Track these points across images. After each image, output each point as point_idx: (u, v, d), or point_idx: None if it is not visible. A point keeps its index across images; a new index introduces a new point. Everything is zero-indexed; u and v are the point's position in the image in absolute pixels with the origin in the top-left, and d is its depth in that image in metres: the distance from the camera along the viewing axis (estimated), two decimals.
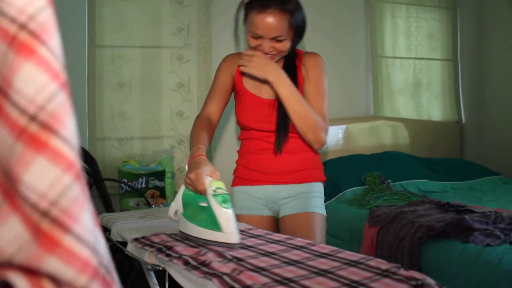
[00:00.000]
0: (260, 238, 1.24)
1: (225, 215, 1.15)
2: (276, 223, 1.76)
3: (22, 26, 0.32)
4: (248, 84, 1.71)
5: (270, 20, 1.51)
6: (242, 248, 1.13)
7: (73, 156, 0.31)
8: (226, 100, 1.74)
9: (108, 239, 1.51)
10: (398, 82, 3.87)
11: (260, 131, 1.70)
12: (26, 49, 0.31)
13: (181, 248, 1.10)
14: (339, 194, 2.92)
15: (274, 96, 1.65)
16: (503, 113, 3.76)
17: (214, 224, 1.15)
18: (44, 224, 0.30)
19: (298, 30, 1.61)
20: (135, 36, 3.11)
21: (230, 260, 1.00)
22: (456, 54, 4.09)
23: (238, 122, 1.76)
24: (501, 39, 3.77)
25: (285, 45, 1.58)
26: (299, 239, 1.21)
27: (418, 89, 3.95)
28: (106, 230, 1.57)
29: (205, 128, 1.61)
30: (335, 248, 1.11)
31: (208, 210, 1.17)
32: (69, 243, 0.30)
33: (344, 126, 3.61)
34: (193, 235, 1.22)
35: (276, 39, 1.55)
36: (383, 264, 0.96)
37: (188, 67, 3.21)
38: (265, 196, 1.71)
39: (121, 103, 3.09)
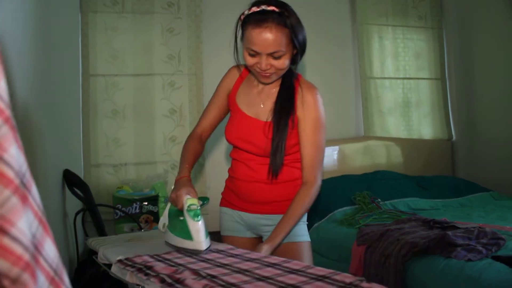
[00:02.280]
0: (238, 257, 1.29)
1: (195, 226, 1.35)
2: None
3: None
4: (240, 100, 1.68)
5: (267, 35, 1.45)
6: (218, 266, 1.18)
7: (12, 174, 0.39)
8: (221, 116, 1.75)
9: (95, 262, 1.55)
10: (387, 102, 3.95)
11: (245, 152, 1.67)
12: None
13: (159, 267, 1.15)
14: (329, 214, 2.97)
15: (267, 119, 1.61)
16: (492, 130, 3.82)
17: (187, 234, 1.36)
18: None
19: (298, 47, 1.54)
20: (128, 64, 3.20)
21: (204, 277, 1.05)
22: (444, 72, 4.17)
23: (226, 139, 1.73)
24: (487, 56, 3.85)
25: (284, 63, 1.52)
26: (274, 257, 1.26)
27: (407, 109, 4.03)
28: (94, 253, 1.61)
29: (195, 147, 1.68)
30: (307, 265, 1.16)
31: (184, 223, 1.38)
32: (5, 242, 0.37)
33: (337, 147, 3.68)
34: (173, 244, 1.42)
35: (273, 56, 1.49)
36: (348, 278, 1.01)
37: (180, 93, 3.29)
38: (245, 222, 1.72)
39: (115, 130, 3.16)
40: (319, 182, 1.60)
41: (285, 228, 1.53)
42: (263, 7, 1.48)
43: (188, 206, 1.38)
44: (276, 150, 1.58)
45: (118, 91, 3.18)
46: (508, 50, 3.66)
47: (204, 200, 3.09)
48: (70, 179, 2.45)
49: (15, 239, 0.38)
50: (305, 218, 1.71)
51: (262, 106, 1.66)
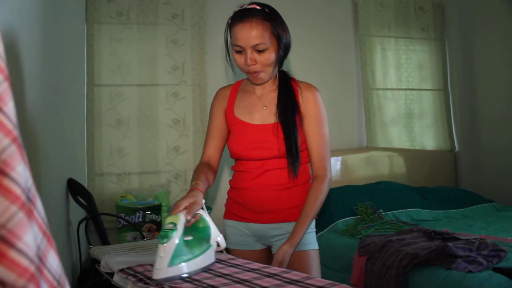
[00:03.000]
0: (238, 267, 1.31)
1: (158, 249, 1.20)
2: (271, 254, 1.72)
3: None
4: (239, 112, 1.69)
5: (248, 28, 1.52)
6: (219, 276, 1.19)
7: (19, 191, 0.42)
8: (223, 139, 1.73)
9: (98, 271, 1.57)
10: (390, 113, 3.97)
11: (252, 161, 1.66)
12: None
13: None
14: (331, 225, 2.98)
15: (271, 121, 1.64)
16: (495, 140, 3.82)
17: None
18: None
19: (281, 42, 1.58)
20: (132, 75, 3.24)
21: (203, 287, 1.07)
22: (447, 83, 4.19)
23: (231, 154, 1.72)
24: (490, 67, 3.87)
25: (268, 57, 1.56)
26: (274, 268, 1.28)
27: (410, 119, 4.04)
28: (97, 262, 1.63)
29: (204, 172, 1.61)
30: (306, 275, 1.17)
31: None
32: (12, 255, 0.40)
33: (339, 158, 3.69)
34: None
35: (257, 49, 1.54)
36: (319, 282, 1.02)
37: (183, 104, 3.32)
38: (254, 234, 1.70)
39: (119, 140, 3.19)
40: (329, 176, 1.63)
41: (303, 226, 1.55)
42: (245, 6, 1.59)
43: (165, 224, 1.24)
44: (291, 148, 1.59)
45: (123, 101, 3.22)
46: (510, 61, 3.68)
47: (206, 209, 3.10)
48: (74, 188, 2.48)
49: (21, 252, 0.40)
50: (313, 225, 1.70)
51: (265, 108, 1.67)
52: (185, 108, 3.33)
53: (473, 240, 2.17)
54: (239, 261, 1.40)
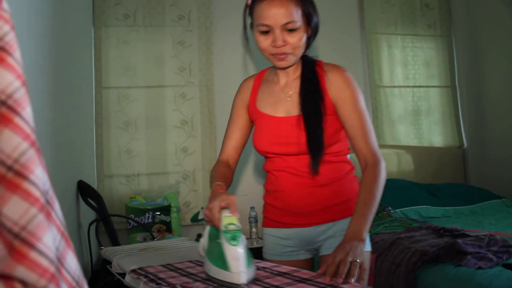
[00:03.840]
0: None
1: (231, 253, 1.07)
2: (313, 264, 1.59)
3: (2, 103, 0.43)
4: (262, 104, 1.54)
5: (278, 5, 1.35)
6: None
7: (38, 193, 0.43)
8: (245, 137, 1.60)
9: (110, 272, 1.59)
10: (397, 110, 3.96)
11: (283, 157, 1.49)
12: (6, 119, 0.43)
13: (172, 278, 1.18)
14: None
15: (296, 113, 1.46)
16: (504, 136, 3.81)
17: (223, 262, 1.09)
18: (16, 243, 0.42)
19: (312, 22, 1.42)
20: (140, 76, 3.26)
21: (213, 286, 1.08)
22: (454, 80, 4.18)
23: (257, 150, 1.56)
24: (497, 63, 3.85)
25: (299, 38, 1.39)
26: (284, 266, 1.27)
27: (418, 117, 4.04)
28: (108, 263, 1.65)
29: (223, 173, 1.50)
30: (315, 273, 1.17)
31: (220, 247, 1.11)
32: (33, 256, 0.42)
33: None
34: (210, 274, 1.15)
35: (287, 28, 1.37)
36: (356, 287, 1.03)
37: (191, 105, 3.34)
38: (299, 240, 1.52)
39: (127, 141, 3.22)
40: (381, 160, 1.39)
41: (361, 217, 1.27)
42: None
43: (225, 226, 1.11)
44: (311, 139, 1.41)
45: (130, 102, 3.24)
46: None
47: None
48: (84, 190, 2.50)
49: (41, 253, 0.42)
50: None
51: (289, 99, 1.50)
52: (192, 109, 3.35)
53: (483, 237, 2.17)
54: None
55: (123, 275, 1.49)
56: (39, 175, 0.44)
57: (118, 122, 3.21)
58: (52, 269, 0.42)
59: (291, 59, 1.44)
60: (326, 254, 1.45)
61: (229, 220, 1.12)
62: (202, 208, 3.05)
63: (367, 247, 1.46)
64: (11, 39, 0.45)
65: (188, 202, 3.28)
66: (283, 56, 1.41)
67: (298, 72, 1.52)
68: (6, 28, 0.46)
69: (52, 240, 0.44)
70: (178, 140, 3.32)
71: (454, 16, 4.20)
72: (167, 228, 2.89)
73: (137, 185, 3.22)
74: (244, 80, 1.64)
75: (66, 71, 2.35)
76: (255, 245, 2.98)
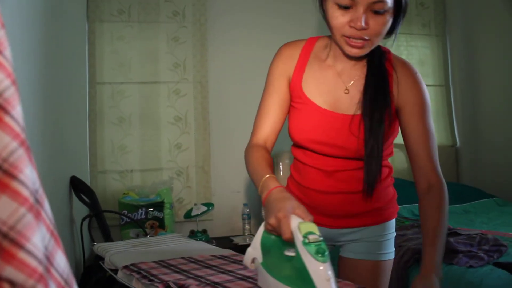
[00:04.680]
0: (241, 263, 1.31)
1: (321, 271, 0.85)
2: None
3: None
4: (309, 87, 1.27)
5: None
6: (222, 272, 1.20)
7: (27, 193, 0.43)
8: (284, 114, 1.32)
9: (102, 268, 1.59)
10: None
11: (322, 156, 1.30)
12: None
13: (164, 275, 1.19)
14: None
15: (352, 111, 1.24)
16: (497, 136, 3.83)
17: (306, 282, 0.86)
18: (5, 243, 0.41)
19: (401, 6, 1.15)
20: (134, 72, 3.25)
21: (207, 284, 1.08)
22: (448, 79, 4.19)
23: (291, 138, 1.33)
24: (491, 63, 3.87)
25: (384, 23, 1.13)
26: None
27: None
28: (101, 259, 1.65)
29: (263, 155, 1.23)
30: None
31: (297, 263, 0.89)
32: (21, 256, 0.42)
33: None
34: None
35: (373, 9, 1.10)
36: (348, 286, 1.03)
37: (185, 101, 3.33)
38: (325, 238, 1.43)
39: (121, 137, 3.21)
40: (444, 182, 1.23)
41: (433, 248, 1.11)
42: None
43: (305, 236, 0.88)
44: (371, 156, 1.21)
45: (124, 98, 3.23)
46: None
47: (208, 206, 3.11)
48: (77, 186, 2.50)
49: (30, 253, 0.42)
50: (394, 228, 1.43)
51: (346, 92, 1.26)
52: (186, 105, 3.34)
53: (474, 235, 2.18)
54: (242, 257, 1.39)
55: (115, 271, 1.48)
56: (28, 175, 0.44)
57: (111, 118, 3.20)
58: (40, 269, 0.42)
59: (367, 48, 1.17)
60: (347, 257, 1.39)
61: (308, 228, 0.90)
62: (195, 204, 3.05)
63: (392, 255, 1.41)
64: (1, 37, 0.45)
65: (182, 198, 3.28)
66: (360, 43, 1.14)
67: (362, 61, 1.26)
68: None
69: (41, 239, 0.43)
70: (171, 136, 3.31)
71: (449, 16, 4.21)
72: (160, 224, 2.88)
73: (130, 181, 3.21)
74: (286, 45, 1.33)
75: (59, 66, 2.34)
76: (248, 242, 2.99)
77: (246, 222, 3.20)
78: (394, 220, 1.42)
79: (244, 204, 3.23)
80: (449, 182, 3.82)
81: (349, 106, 1.25)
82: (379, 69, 1.23)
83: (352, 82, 1.27)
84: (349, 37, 1.15)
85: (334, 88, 1.27)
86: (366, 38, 1.13)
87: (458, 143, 4.19)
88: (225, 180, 3.36)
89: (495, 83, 3.85)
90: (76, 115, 2.82)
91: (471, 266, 1.90)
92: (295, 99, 1.30)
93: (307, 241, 0.87)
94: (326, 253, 0.86)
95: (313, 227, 0.90)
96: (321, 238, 0.88)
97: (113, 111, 3.21)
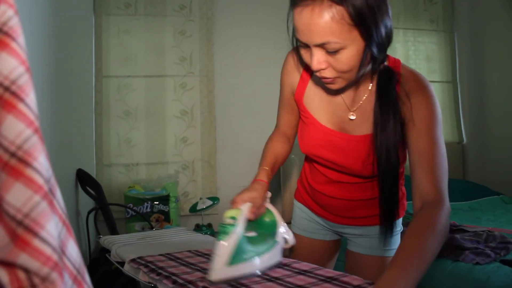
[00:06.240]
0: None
1: (216, 247, 1.01)
2: (340, 244, 1.53)
3: (6, 88, 0.43)
4: (312, 103, 1.24)
5: (309, 16, 0.95)
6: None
7: (42, 181, 0.43)
8: (296, 117, 1.34)
9: (108, 260, 1.59)
10: None
11: (331, 170, 1.30)
12: (9, 105, 0.42)
13: (171, 268, 1.18)
14: None
15: (358, 133, 1.18)
16: (504, 133, 3.80)
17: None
18: (19, 230, 0.41)
19: (371, 33, 0.97)
20: (140, 66, 3.25)
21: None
22: (455, 75, 4.17)
23: (299, 143, 1.33)
24: (499, 59, 3.84)
25: (346, 60, 0.99)
26: (305, 263, 1.18)
27: None
28: (107, 251, 1.65)
29: (277, 145, 1.30)
30: (316, 266, 1.17)
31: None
32: (36, 244, 0.41)
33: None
34: None
35: (327, 50, 0.99)
36: (356, 281, 1.03)
37: (191, 95, 3.33)
38: (329, 226, 1.44)
39: (127, 131, 3.21)
40: (447, 204, 1.03)
41: (406, 273, 0.92)
42: None
43: (224, 219, 1.04)
44: (384, 186, 1.14)
45: (131, 92, 3.23)
46: None
47: (214, 200, 3.11)
48: (83, 178, 2.50)
49: (44, 241, 0.42)
50: (399, 225, 1.39)
51: (352, 117, 1.19)
52: (192, 99, 3.33)
53: (481, 232, 2.17)
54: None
55: (122, 263, 1.49)
56: (42, 162, 0.43)
57: (118, 111, 3.20)
58: (55, 257, 0.42)
59: (340, 83, 1.08)
60: (354, 251, 1.41)
61: (231, 213, 1.04)
62: (201, 198, 3.05)
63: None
64: (15, 24, 0.45)
65: (187, 192, 3.28)
66: (329, 80, 1.07)
67: (367, 85, 1.16)
68: (10, 12, 0.45)
69: (55, 227, 0.43)
70: (177, 130, 3.31)
71: (457, 12, 4.18)
72: (166, 218, 2.89)
73: (136, 174, 3.22)
74: (292, 54, 1.25)
75: (66, 59, 2.34)
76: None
77: None
78: (400, 220, 1.40)
79: None
80: (455, 179, 3.82)
81: (354, 128, 1.19)
82: (389, 93, 1.10)
83: (356, 106, 1.19)
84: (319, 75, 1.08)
85: (338, 110, 1.21)
86: (331, 76, 1.05)
87: (465, 140, 4.17)
88: (231, 174, 3.36)
89: (502, 80, 3.82)
90: (82, 108, 2.82)
91: (477, 263, 1.89)
92: (301, 112, 1.29)
93: (222, 223, 1.03)
94: (225, 235, 1.00)
95: (234, 213, 1.04)
96: (232, 223, 1.02)
97: (119, 104, 3.21)
